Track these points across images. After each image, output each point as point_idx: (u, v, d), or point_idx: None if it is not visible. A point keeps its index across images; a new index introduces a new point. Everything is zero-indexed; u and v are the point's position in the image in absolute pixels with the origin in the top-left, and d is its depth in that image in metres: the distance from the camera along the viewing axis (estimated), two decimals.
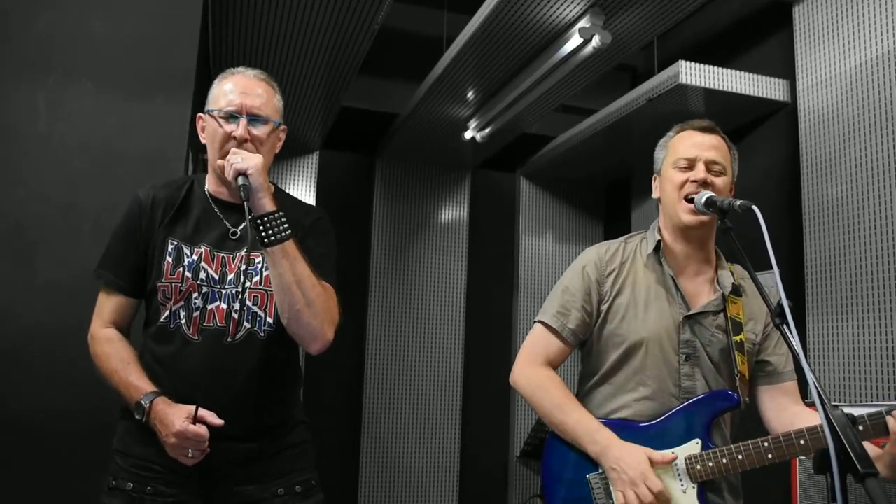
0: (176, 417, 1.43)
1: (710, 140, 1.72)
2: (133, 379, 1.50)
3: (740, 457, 1.53)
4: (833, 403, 1.15)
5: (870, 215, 2.68)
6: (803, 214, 2.98)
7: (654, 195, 1.81)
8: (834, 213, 2.84)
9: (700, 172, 1.66)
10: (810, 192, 2.96)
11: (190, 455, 1.43)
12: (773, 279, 1.27)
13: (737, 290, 1.71)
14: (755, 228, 1.39)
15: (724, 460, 1.53)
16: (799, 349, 1.28)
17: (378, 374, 4.57)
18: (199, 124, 1.64)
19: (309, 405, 4.20)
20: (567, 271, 1.79)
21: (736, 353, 1.63)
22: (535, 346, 1.75)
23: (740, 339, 1.65)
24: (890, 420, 1.45)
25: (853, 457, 1.10)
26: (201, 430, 1.42)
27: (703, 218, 1.64)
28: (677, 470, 1.57)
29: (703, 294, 1.70)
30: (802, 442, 1.48)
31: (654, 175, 1.83)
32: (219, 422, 1.45)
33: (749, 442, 1.54)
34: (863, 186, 2.72)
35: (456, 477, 4.62)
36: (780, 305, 1.29)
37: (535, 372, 1.73)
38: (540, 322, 1.77)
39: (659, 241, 1.73)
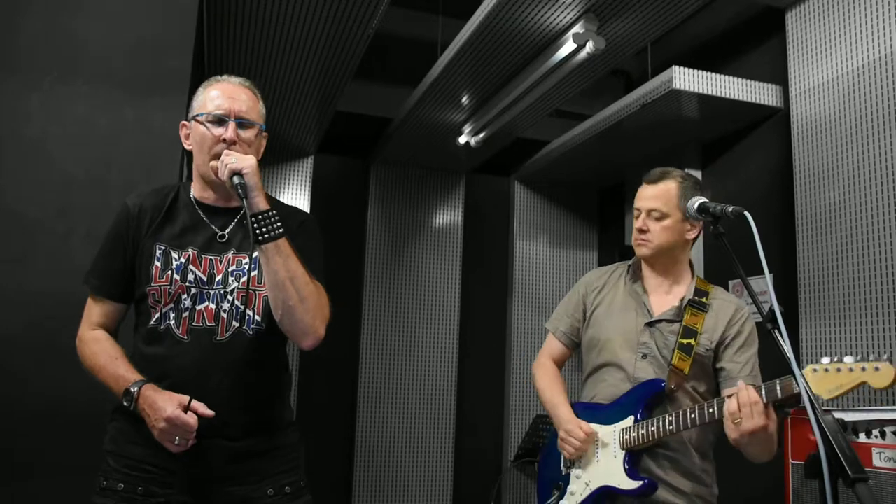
0: (167, 403, 1.46)
1: (650, 191, 1.98)
2: (122, 371, 1.54)
3: (667, 423, 1.80)
4: (824, 408, 1.16)
5: (862, 220, 2.70)
6: (796, 219, 2.99)
7: None
8: (826, 217, 2.85)
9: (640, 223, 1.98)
10: (803, 197, 2.98)
11: (176, 442, 1.46)
12: (765, 284, 1.28)
13: (698, 305, 1.94)
14: (748, 234, 1.40)
15: (653, 428, 1.82)
16: (790, 353, 1.29)
17: (372, 378, 4.57)
18: (183, 132, 1.68)
19: (303, 408, 4.23)
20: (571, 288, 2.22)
21: (676, 350, 1.89)
22: (545, 347, 2.21)
23: (688, 343, 1.90)
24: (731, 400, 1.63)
25: (843, 462, 1.11)
26: (191, 419, 1.45)
27: (650, 255, 1.98)
28: (614, 439, 1.92)
29: (665, 306, 1.98)
30: (711, 410, 1.71)
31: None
32: (210, 412, 1.48)
33: (679, 411, 1.79)
34: (855, 191, 2.74)
35: (450, 481, 4.62)
36: (771, 310, 1.30)
37: (539, 364, 2.19)
38: (546, 327, 2.23)
39: (637, 264, 2.07)
